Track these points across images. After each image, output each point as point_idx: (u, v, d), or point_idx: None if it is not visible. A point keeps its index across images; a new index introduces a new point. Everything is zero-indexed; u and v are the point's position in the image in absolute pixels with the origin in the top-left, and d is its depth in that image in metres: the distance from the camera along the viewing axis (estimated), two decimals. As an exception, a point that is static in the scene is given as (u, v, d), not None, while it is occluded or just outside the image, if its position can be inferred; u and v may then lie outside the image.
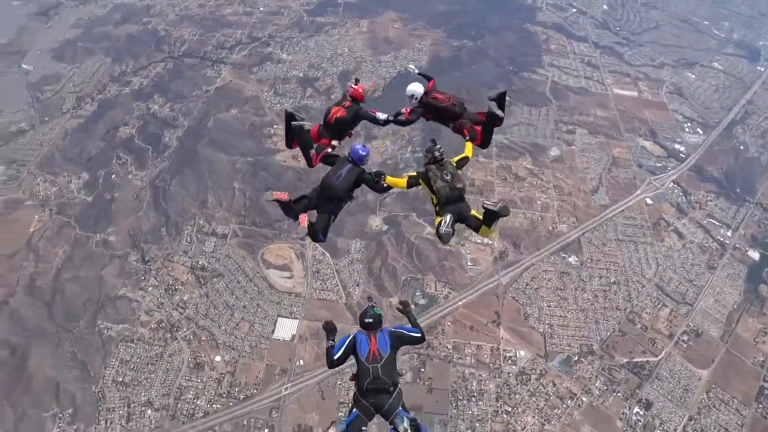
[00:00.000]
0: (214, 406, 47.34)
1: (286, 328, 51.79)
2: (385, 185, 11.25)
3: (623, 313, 53.28)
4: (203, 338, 51.13)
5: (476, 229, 10.66)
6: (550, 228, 59.20)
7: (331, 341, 9.72)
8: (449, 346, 50.51)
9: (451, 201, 10.60)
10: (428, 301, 53.38)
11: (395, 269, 55.24)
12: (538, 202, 61.43)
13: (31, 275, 55.67)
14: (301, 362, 49.78)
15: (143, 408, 47.59)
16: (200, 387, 48.51)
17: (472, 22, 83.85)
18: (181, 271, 55.30)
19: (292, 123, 11.80)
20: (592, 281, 55.39)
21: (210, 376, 49.10)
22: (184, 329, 51.74)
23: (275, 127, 66.42)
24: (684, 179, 65.83)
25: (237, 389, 48.32)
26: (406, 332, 9.60)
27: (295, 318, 52.55)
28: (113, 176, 63.01)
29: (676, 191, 64.69)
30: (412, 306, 10.65)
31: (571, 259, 57.00)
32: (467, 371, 49.22)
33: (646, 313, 53.57)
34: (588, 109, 72.97)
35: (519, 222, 59.36)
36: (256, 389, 48.41)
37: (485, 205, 10.24)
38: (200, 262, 55.78)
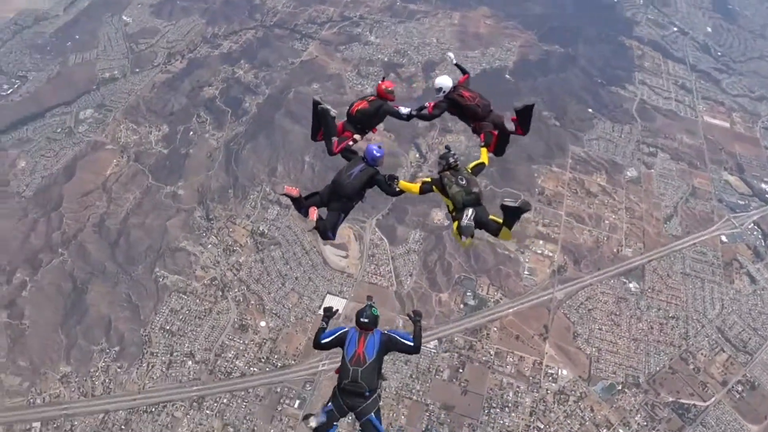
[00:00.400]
0: (252, 368, 48.04)
1: (333, 306, 51.53)
2: (397, 189, 10.94)
3: (677, 351, 50.58)
4: (252, 302, 51.85)
5: (495, 233, 10.15)
6: (615, 250, 56.86)
7: (324, 324, 9.76)
8: (492, 352, 49.41)
9: (468, 205, 10.12)
10: (478, 303, 52.29)
11: (450, 266, 54.37)
12: (607, 222, 59.07)
13: (102, 215, 57.97)
14: (344, 343, 49.49)
15: (185, 358, 48.83)
16: (241, 348, 49.27)
17: (566, 27, 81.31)
18: (241, 233, 56.28)
19: (319, 106, 11.66)
20: (649, 311, 52.84)
21: (252, 339, 49.76)
22: (235, 290, 52.61)
23: (353, 107, 66.41)
24: (766, 222, 61.76)
25: (276, 356, 48.81)
26: (399, 338, 9.34)
27: (344, 297, 52.54)
28: (191, 133, 64.73)
29: (755, 233, 60.70)
30: (424, 319, 10.22)
31: (631, 285, 54.56)
32: (505, 380, 48.04)
33: (702, 354, 50.62)
34: (674, 134, 69.52)
35: (584, 239, 57.29)
36: (294, 360, 48.76)
37: (505, 203, 9.77)
38: (261, 228, 56.60)
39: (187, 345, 49.42)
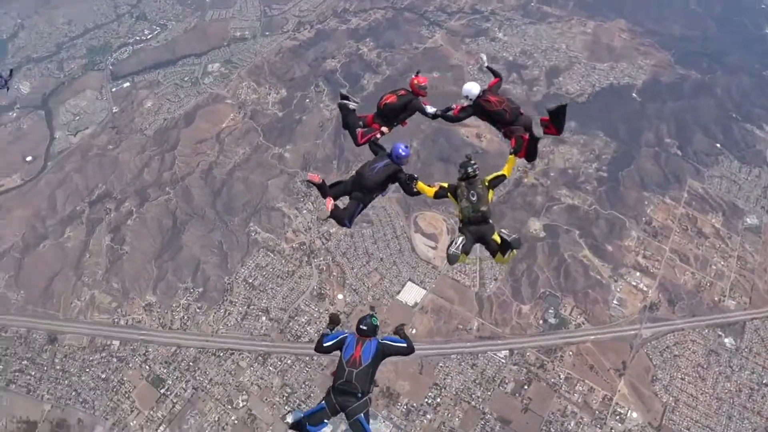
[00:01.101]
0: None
1: (412, 294, 51.18)
2: (415, 190, 11.25)
3: (764, 422, 45.71)
4: (334, 273, 52.11)
5: (493, 254, 10.42)
6: (716, 299, 52.06)
7: (329, 330, 10.34)
8: (561, 376, 46.84)
9: (473, 222, 10.44)
10: (558, 323, 49.81)
11: (537, 279, 52.10)
12: (713, 267, 54.12)
13: (210, 163, 60.44)
14: (414, 331, 48.86)
15: (260, 313, 49.95)
16: (315, 315, 49.69)
17: (707, 53, 75.50)
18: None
19: (339, 101, 12.14)
20: (741, 372, 47.96)
21: (327, 309, 49.95)
22: (321, 259, 53.10)
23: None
24: None
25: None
26: (393, 343, 9.88)
27: (424, 288, 51.68)
28: (307, 101, 65.97)
29: None
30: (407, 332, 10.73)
31: (726, 340, 49.72)
32: (570, 408, 45.39)
33: (793, 433, 45.51)
34: (808, 187, 62.80)
35: (684, 280, 52.87)
36: (363, 338, 48.39)
37: (501, 233, 10.23)
38: (356, 203, 56.59)
39: (264, 301, 50.46)
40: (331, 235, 54.43)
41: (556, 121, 11.34)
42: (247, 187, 58.02)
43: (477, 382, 46.38)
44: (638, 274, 52.81)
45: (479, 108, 11.96)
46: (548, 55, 71.84)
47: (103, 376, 47.61)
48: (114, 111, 68.50)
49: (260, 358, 47.54)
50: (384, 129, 12.11)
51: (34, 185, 61.57)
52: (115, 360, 48.35)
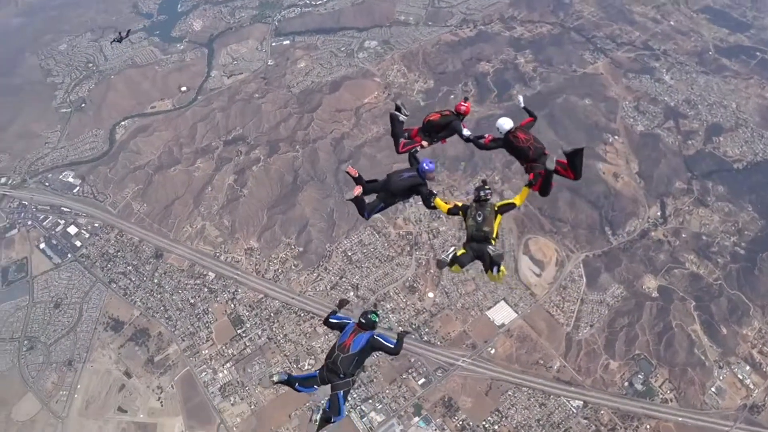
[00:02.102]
0: (400, 327, 47.65)
1: (501, 314, 49.41)
2: (432, 204, 11.62)
3: None
4: (431, 271, 51.05)
5: (486, 270, 10.89)
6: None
7: (336, 309, 11.29)
8: (632, 446, 43.59)
9: (475, 240, 10.95)
10: (645, 390, 46.05)
11: (636, 338, 48.31)
12: None
13: (343, 134, 61.63)
14: (493, 351, 47.27)
15: (349, 287, 50.33)
16: (401, 305, 49.33)
17: None
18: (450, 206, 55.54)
19: (392, 111, 12.85)
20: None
21: (414, 303, 49.51)
22: (422, 252, 52.37)
23: (615, 138, 61.65)
24: None
25: (426, 330, 48.05)
26: (382, 341, 10.42)
27: (516, 311, 49.70)
28: (452, 96, 65.13)
29: None
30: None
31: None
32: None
33: None
34: None
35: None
36: (440, 342, 47.62)
37: (488, 249, 10.74)
38: (472, 209, 55.32)
39: (357, 277, 50.71)
40: (439, 233, 53.51)
41: (572, 165, 11.41)
42: (371, 165, 58.08)
43: (541, 422, 44.04)
44: (748, 368, 47.35)
45: (507, 142, 12.10)
46: (714, 110, 65.94)
47: (192, 301, 50.23)
48: (269, 64, 71.76)
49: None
50: (424, 143, 12.76)
51: (181, 113, 66.25)
52: (206, 290, 50.79)
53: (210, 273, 51.53)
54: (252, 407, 45.59)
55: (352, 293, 49.66)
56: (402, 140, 12.81)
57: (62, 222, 57.44)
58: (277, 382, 10.57)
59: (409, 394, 45.12)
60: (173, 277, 51.83)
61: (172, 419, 45.69)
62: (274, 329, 48.05)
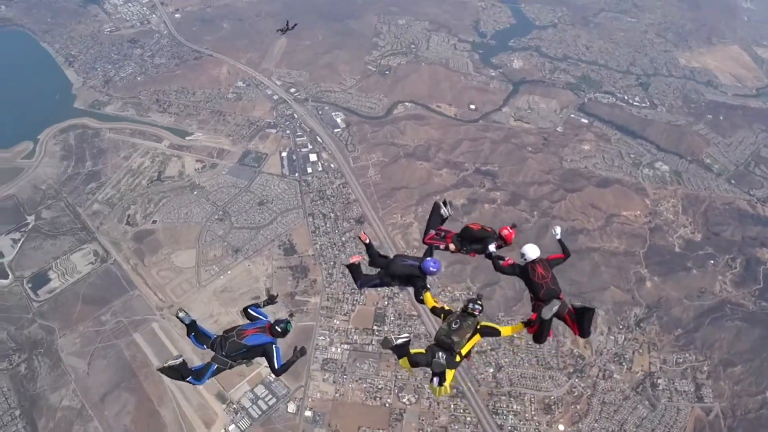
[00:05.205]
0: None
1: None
2: (421, 297, 11.40)
3: None
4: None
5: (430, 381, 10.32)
6: None
7: (260, 303, 11.45)
8: None
9: (438, 344, 10.38)
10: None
11: None
12: None
13: (583, 229, 59.37)
14: None
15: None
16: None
17: None
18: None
19: (437, 201, 13.19)
20: None
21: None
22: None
23: None
24: None
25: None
26: (274, 354, 10.38)
27: None
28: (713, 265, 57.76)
29: None
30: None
31: None
32: None
33: None
34: None
35: None
36: None
37: (434, 359, 10.25)
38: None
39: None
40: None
41: (580, 321, 10.88)
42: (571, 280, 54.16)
43: None
44: None
45: (525, 271, 11.57)
46: None
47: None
48: (557, 129, 71.88)
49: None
50: (452, 246, 12.43)
51: (457, 124, 71.19)
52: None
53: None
54: (337, 394, 46.56)
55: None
56: (432, 232, 12.72)
57: (309, 147, 65.88)
58: (180, 318, 10.53)
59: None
60: (358, 245, 53.78)
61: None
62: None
